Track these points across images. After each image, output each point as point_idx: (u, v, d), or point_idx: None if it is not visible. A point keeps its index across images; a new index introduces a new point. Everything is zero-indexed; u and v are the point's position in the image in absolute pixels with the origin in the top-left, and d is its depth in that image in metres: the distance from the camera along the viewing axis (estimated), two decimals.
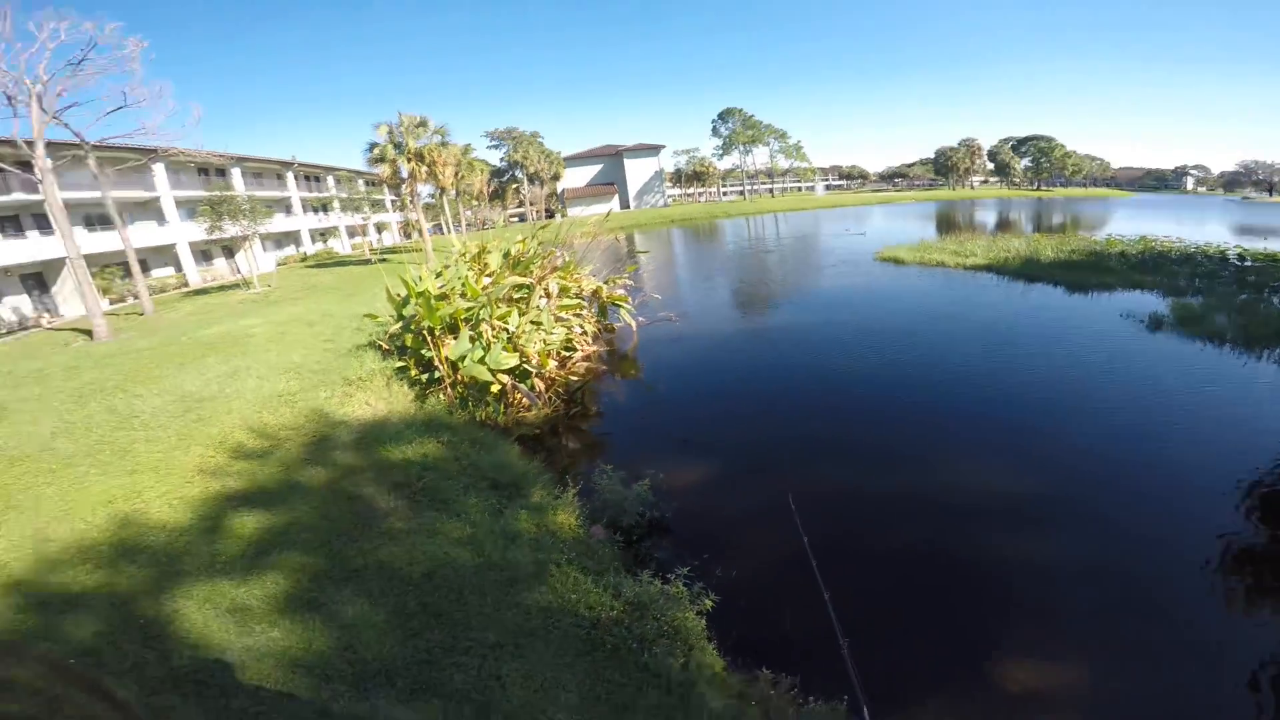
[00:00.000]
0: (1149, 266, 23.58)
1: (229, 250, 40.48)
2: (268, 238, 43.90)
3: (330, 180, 58.21)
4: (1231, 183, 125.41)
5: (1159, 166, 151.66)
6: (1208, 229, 43.22)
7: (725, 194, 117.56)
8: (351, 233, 58.90)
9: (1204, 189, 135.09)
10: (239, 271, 38.70)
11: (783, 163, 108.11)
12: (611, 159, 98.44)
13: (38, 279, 27.22)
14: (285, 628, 5.20)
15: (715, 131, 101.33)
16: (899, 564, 6.96)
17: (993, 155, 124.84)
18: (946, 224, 51.37)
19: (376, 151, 33.72)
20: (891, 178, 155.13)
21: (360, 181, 59.39)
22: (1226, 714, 4.88)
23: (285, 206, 49.49)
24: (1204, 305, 16.79)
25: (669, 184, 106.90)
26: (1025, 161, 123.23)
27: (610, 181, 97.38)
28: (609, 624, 5.25)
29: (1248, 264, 23.56)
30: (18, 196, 25.90)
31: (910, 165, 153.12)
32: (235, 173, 42.52)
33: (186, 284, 34.49)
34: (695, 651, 5.15)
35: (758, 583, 6.66)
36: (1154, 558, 6.79)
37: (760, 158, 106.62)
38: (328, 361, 12.57)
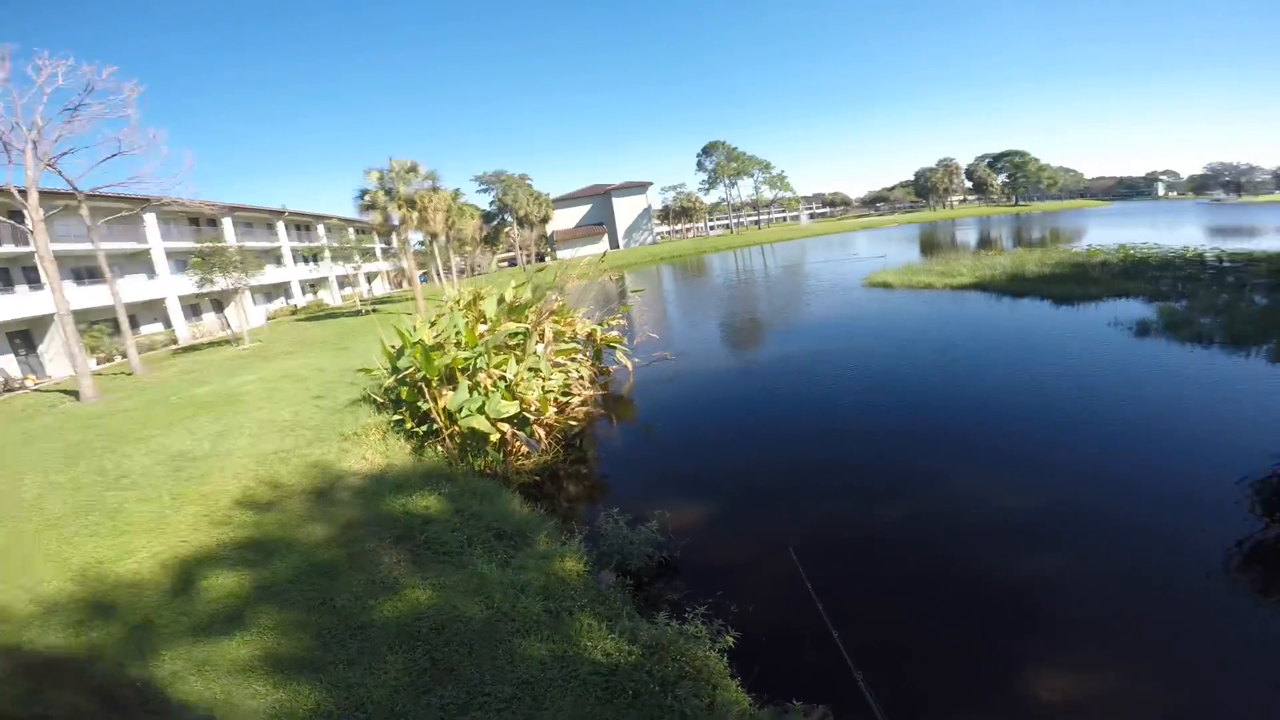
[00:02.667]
0: (1131, 274, 23.97)
1: (219, 304, 40.45)
2: (258, 290, 43.97)
3: (320, 229, 58.73)
4: (1201, 186, 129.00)
5: (1130, 174, 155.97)
6: (1183, 232, 44.46)
7: (713, 228, 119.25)
8: (342, 283, 59.16)
9: (1175, 193, 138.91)
10: (229, 327, 38.57)
11: (767, 193, 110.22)
12: (600, 199, 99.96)
13: (24, 337, 26.90)
14: (291, 689, 5.07)
15: (700, 166, 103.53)
16: (912, 587, 6.86)
17: (970, 174, 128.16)
18: (930, 246, 52.25)
19: (368, 198, 33.94)
20: (873, 202, 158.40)
21: (350, 230, 59.87)
22: (1261, 714, 4.83)
23: (275, 257, 49.70)
24: (1188, 309, 17.03)
25: (657, 221, 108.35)
26: (1002, 178, 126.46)
27: (599, 222, 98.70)
28: (628, 669, 5.13)
29: (1226, 265, 24.05)
30: (7, 249, 25.65)
31: (891, 189, 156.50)
32: (226, 223, 42.81)
33: (175, 341, 34.32)
34: (719, 690, 5.03)
35: (776, 616, 6.53)
36: (1169, 562, 6.73)
37: (745, 190, 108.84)
38: (322, 417, 12.40)
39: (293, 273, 51.11)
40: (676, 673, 5.07)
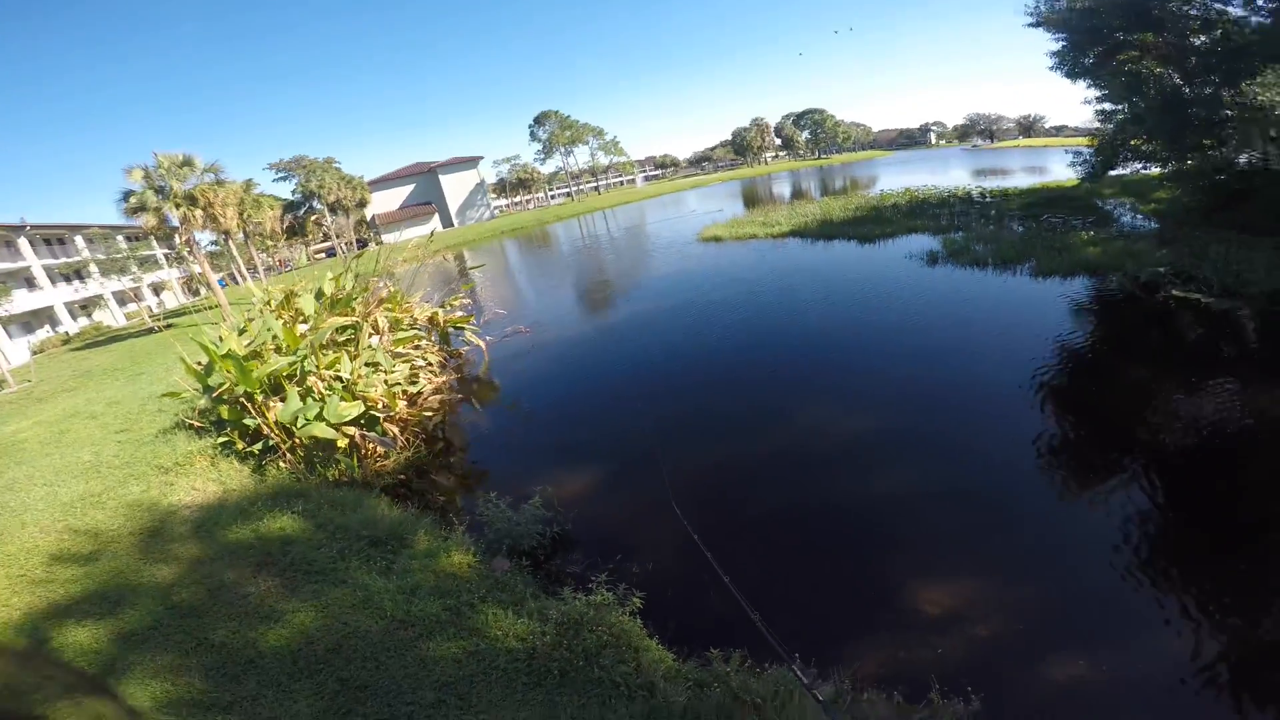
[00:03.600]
0: (916, 213, 27.65)
1: None
2: (11, 321, 36.00)
3: (79, 241, 48.93)
4: (963, 134, 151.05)
5: (909, 126, 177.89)
6: (952, 175, 51.76)
7: (553, 198, 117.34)
8: (122, 300, 50.01)
9: (943, 141, 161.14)
10: None
11: (603, 159, 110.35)
12: (425, 176, 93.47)
13: None
14: None
15: (534, 136, 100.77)
16: (786, 520, 7.42)
17: (779, 131, 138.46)
18: (752, 199, 56.08)
19: (134, 200, 28.72)
20: (699, 162, 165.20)
21: (120, 238, 50.69)
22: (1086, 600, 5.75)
23: (25, 279, 40.87)
24: (964, 239, 20.10)
25: (493, 195, 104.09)
26: (805, 134, 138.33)
27: (427, 201, 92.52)
28: (547, 649, 5.12)
29: (987, 200, 28.79)
30: None
31: (713, 148, 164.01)
32: None
33: None
34: (642, 652, 5.16)
35: (675, 569, 6.76)
36: (986, 470, 7.76)
37: (582, 157, 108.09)
38: (129, 453, 10.70)
39: (53, 295, 42.26)
40: (596, 643, 5.11)
